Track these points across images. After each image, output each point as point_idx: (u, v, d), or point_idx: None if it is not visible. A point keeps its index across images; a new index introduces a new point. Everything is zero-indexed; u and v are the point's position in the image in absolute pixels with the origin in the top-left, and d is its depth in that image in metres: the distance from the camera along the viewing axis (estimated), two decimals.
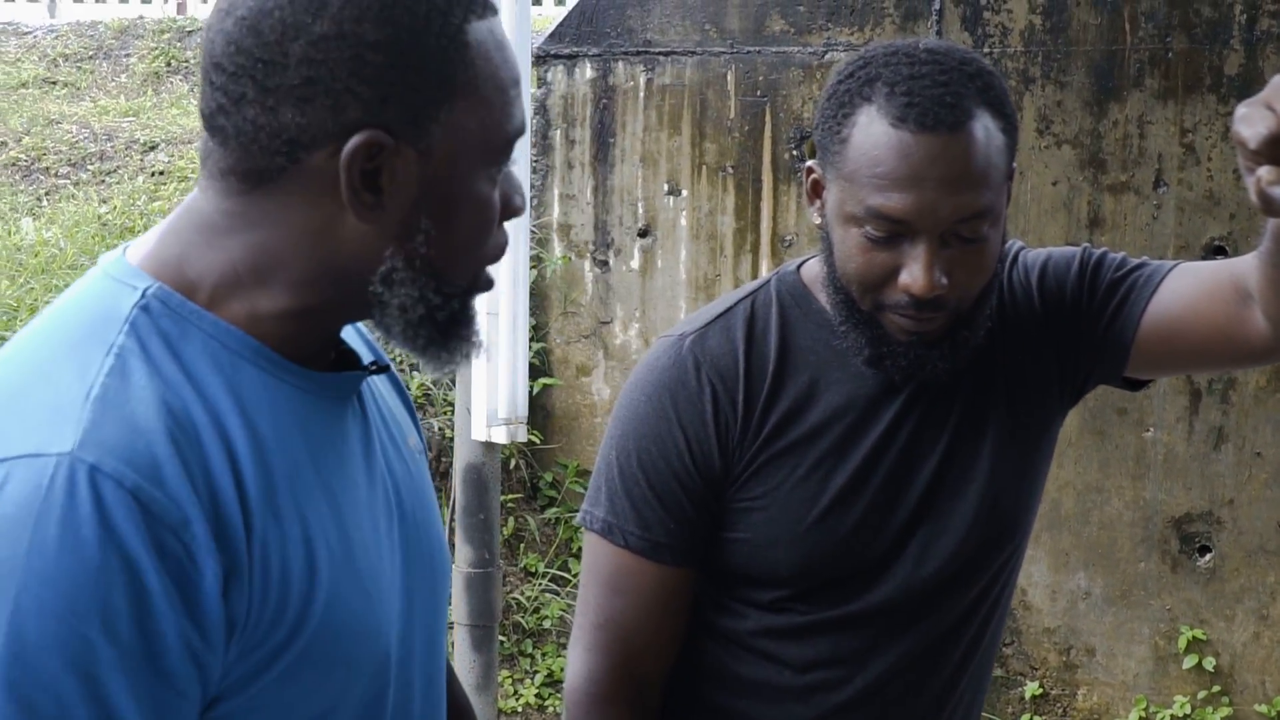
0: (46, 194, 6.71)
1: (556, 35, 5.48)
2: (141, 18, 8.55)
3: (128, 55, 7.99)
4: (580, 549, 5.40)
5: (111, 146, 6.95)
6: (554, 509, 5.53)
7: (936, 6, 5.01)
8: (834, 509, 1.67)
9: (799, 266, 1.75)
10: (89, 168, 6.83)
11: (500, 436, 4.13)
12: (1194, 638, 4.85)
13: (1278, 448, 4.78)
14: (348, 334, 1.31)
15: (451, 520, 4.27)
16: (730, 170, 5.29)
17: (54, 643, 1.01)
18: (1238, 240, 4.74)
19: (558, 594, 5.39)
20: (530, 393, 4.87)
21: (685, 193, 5.34)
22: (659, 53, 5.34)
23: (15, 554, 1.01)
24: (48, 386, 1.08)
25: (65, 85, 7.78)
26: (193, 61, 7.64)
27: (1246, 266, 1.61)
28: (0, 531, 1.02)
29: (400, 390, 1.40)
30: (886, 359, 1.62)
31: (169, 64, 7.77)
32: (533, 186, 5.33)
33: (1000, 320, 1.71)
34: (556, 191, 5.49)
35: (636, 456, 1.69)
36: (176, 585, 1.04)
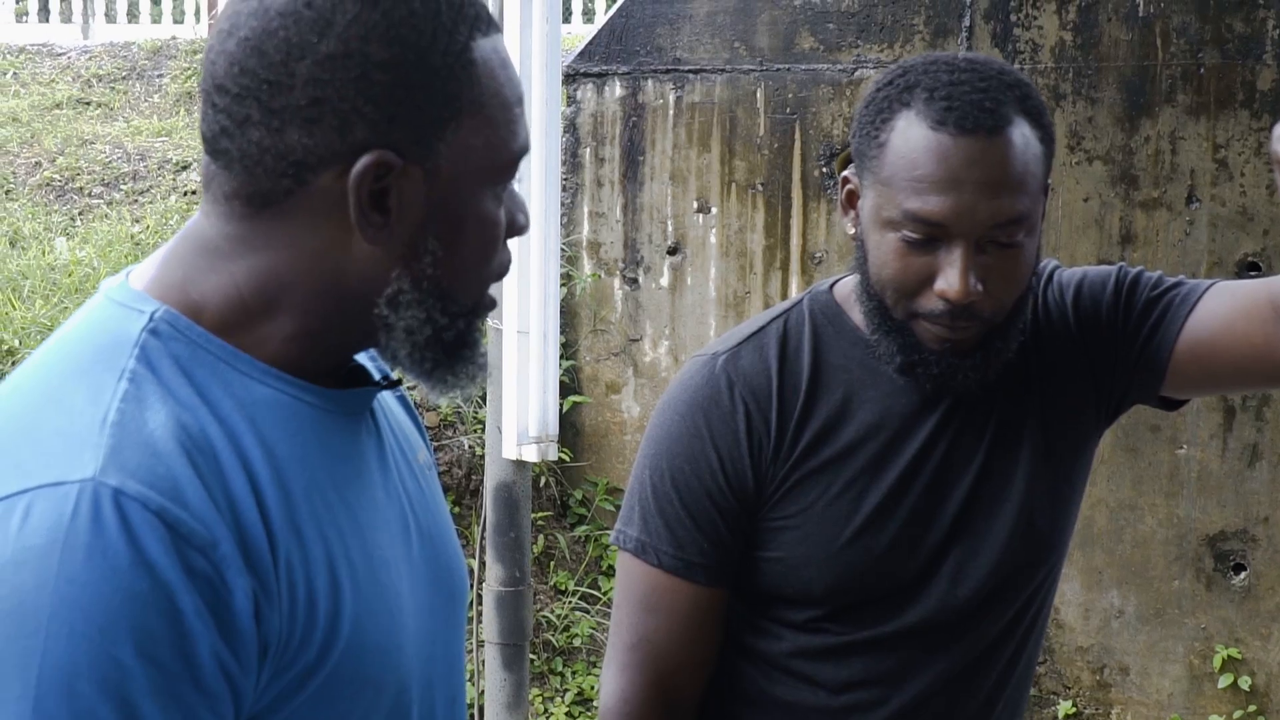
0: (80, 214, 6.76)
1: (586, 53, 5.49)
2: (174, 38, 8.63)
3: (160, 75, 8.05)
4: (611, 566, 5.41)
5: (144, 166, 7.00)
6: (584, 526, 5.53)
7: (967, 23, 5.01)
8: (868, 527, 1.66)
9: (832, 285, 1.75)
10: (122, 188, 6.88)
11: (531, 455, 4.13)
12: (1229, 656, 4.81)
13: None
14: None
15: (482, 539, 4.26)
16: (760, 187, 5.29)
17: (88, 669, 1.00)
18: (1271, 256, 4.71)
19: (588, 612, 5.39)
20: (560, 410, 4.87)
21: (715, 210, 5.34)
22: (688, 70, 5.34)
23: (44, 582, 1.00)
24: (61, 414, 1.06)
25: (99, 106, 7.85)
26: None
27: None
28: (28, 561, 1.00)
29: (407, 405, 1.38)
30: (918, 367, 1.62)
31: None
32: (563, 204, 5.34)
33: (1035, 339, 1.70)
34: (586, 209, 5.50)
35: (670, 476, 1.69)
36: (208, 605, 1.03)
